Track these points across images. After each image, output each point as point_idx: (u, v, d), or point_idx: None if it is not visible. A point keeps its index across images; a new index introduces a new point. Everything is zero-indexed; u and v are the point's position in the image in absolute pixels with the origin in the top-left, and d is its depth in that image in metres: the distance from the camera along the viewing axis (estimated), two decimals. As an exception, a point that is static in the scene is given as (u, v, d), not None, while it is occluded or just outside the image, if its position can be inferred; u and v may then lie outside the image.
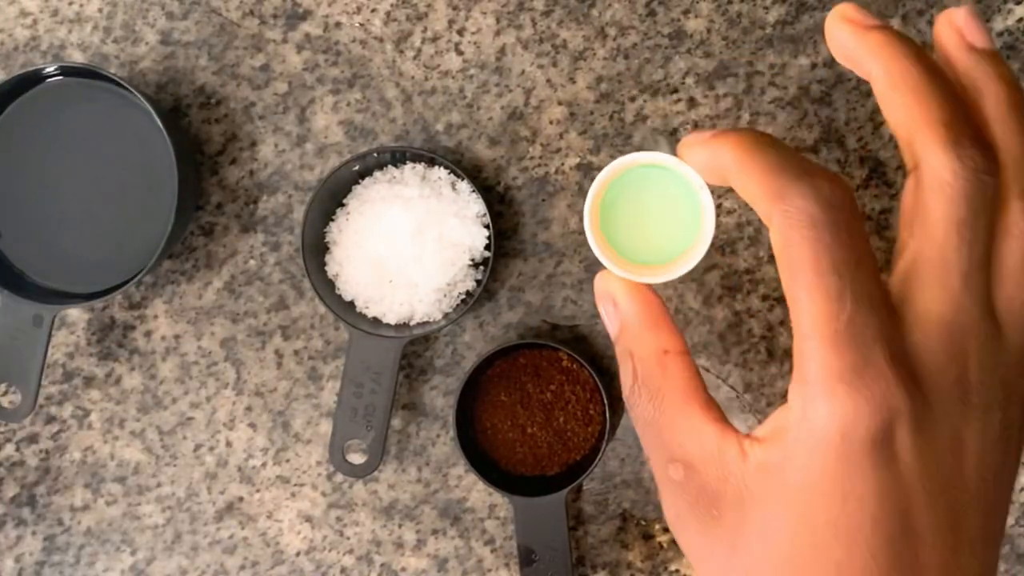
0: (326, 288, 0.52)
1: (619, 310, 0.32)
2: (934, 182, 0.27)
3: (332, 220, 0.53)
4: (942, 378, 0.26)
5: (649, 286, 0.31)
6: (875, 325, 0.26)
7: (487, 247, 0.52)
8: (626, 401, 0.31)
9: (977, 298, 0.27)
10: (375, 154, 0.52)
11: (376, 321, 0.53)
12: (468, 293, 0.53)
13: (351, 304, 0.53)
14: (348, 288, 0.52)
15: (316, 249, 0.53)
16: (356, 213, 0.52)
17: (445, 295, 0.52)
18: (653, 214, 0.36)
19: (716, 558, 0.28)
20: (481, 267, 0.52)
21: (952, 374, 0.26)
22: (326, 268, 0.53)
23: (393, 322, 0.53)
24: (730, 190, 0.54)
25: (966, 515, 0.27)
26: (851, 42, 0.29)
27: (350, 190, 0.53)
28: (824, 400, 0.25)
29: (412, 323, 0.53)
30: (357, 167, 0.53)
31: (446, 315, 0.52)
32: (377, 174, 0.53)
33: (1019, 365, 0.27)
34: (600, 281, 0.33)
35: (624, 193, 0.36)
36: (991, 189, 0.27)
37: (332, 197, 0.53)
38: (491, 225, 0.52)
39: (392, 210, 0.51)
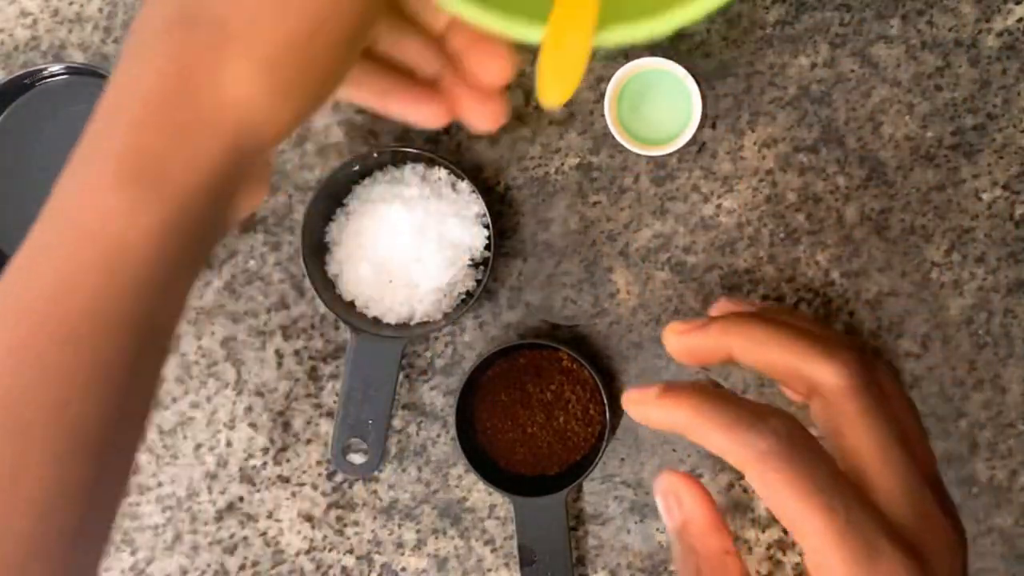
0: (326, 288, 0.52)
1: (684, 508, 0.36)
2: (834, 391, 0.32)
3: (332, 220, 0.53)
4: (926, 536, 0.31)
5: (704, 489, 0.36)
6: (867, 516, 0.31)
7: (487, 247, 0.52)
8: None
9: (913, 460, 0.32)
10: (375, 154, 0.52)
11: (376, 321, 0.53)
12: (468, 293, 0.53)
13: (351, 304, 0.53)
14: (348, 288, 0.52)
15: (316, 249, 0.53)
16: (356, 213, 0.52)
17: (445, 295, 0.52)
18: (655, 105, 0.52)
19: None
20: (481, 267, 0.52)
21: (927, 530, 0.32)
22: (326, 268, 0.53)
23: (393, 322, 0.53)
24: (730, 191, 0.54)
25: None
26: (696, 340, 0.35)
27: (350, 190, 0.53)
28: None
29: (412, 323, 0.53)
30: (357, 167, 0.53)
31: (446, 315, 0.52)
32: (377, 174, 0.53)
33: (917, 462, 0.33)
34: (665, 479, 0.36)
35: (633, 91, 0.53)
36: (876, 384, 0.33)
37: (332, 197, 0.53)
38: (491, 225, 0.52)
39: (392, 210, 0.51)
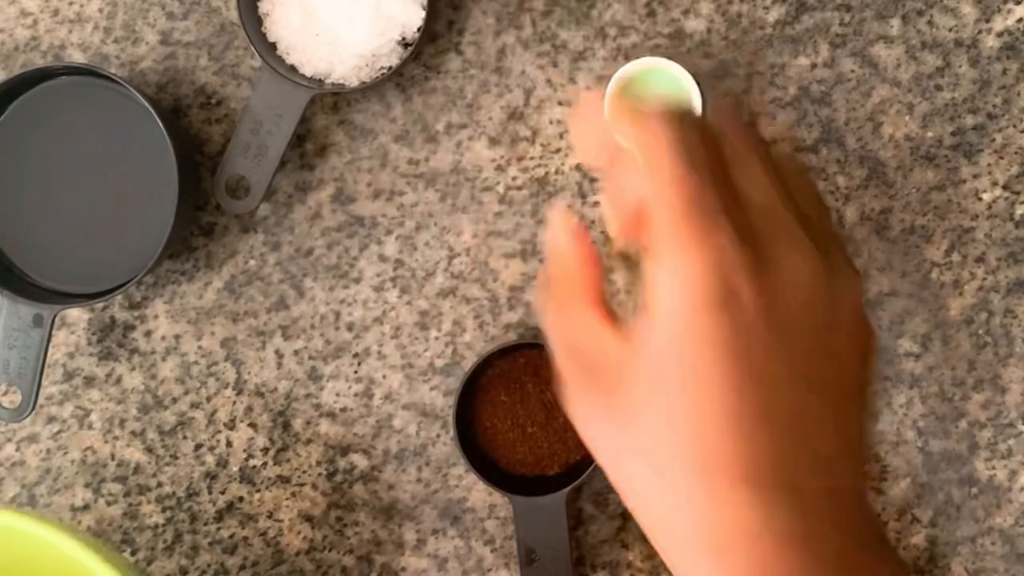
0: (254, 24, 0.52)
1: (560, 241, 0.36)
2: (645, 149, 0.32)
3: None
4: (768, 232, 0.30)
5: (584, 238, 0.36)
6: (715, 199, 0.30)
7: (419, 29, 0.52)
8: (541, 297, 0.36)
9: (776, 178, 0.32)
10: None
11: (292, 69, 0.53)
12: (389, 68, 0.53)
13: (273, 46, 0.53)
14: (275, 29, 0.53)
15: None
16: None
17: (367, 64, 0.52)
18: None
19: (603, 422, 0.31)
20: (409, 47, 0.52)
21: (771, 230, 0.31)
22: (259, 3, 0.53)
23: (309, 74, 0.53)
24: (730, 190, 0.54)
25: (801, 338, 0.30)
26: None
27: None
28: (672, 261, 0.30)
29: (327, 81, 0.53)
30: None
31: (363, 83, 0.52)
32: None
33: (797, 207, 0.32)
34: (556, 213, 0.36)
35: (633, 91, 0.52)
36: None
37: None
38: (427, 6, 0.52)
39: None
